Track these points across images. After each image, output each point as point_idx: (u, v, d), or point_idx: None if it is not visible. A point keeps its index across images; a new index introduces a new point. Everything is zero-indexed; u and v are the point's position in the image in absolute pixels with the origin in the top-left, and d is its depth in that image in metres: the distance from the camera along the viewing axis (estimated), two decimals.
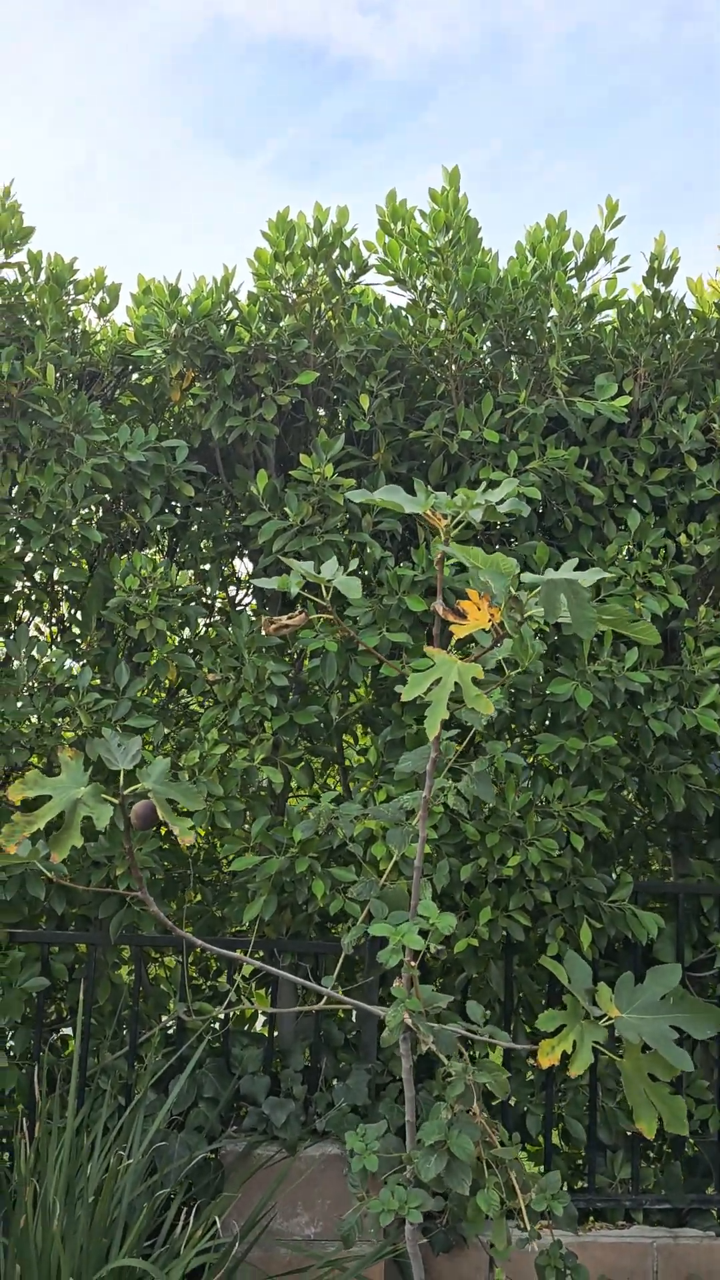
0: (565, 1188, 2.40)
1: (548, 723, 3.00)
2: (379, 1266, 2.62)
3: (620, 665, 2.85)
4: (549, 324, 2.95)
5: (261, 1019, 3.29)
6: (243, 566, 3.50)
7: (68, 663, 2.93)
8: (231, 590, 3.51)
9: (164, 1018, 3.02)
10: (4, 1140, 2.93)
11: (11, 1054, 2.90)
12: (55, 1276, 2.16)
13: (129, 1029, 2.87)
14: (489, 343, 3.03)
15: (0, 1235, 2.48)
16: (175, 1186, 2.57)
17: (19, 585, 3.21)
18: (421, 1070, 2.91)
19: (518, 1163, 2.06)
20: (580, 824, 2.88)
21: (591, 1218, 2.95)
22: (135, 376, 3.21)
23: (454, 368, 3.00)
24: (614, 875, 3.02)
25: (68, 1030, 3.12)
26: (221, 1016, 2.87)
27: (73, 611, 3.33)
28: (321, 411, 3.14)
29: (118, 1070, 2.85)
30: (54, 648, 2.97)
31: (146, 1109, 2.64)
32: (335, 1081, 2.83)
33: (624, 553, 3.03)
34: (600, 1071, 3.00)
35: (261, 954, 2.94)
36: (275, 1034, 2.99)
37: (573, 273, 2.93)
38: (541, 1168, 2.90)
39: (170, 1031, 2.96)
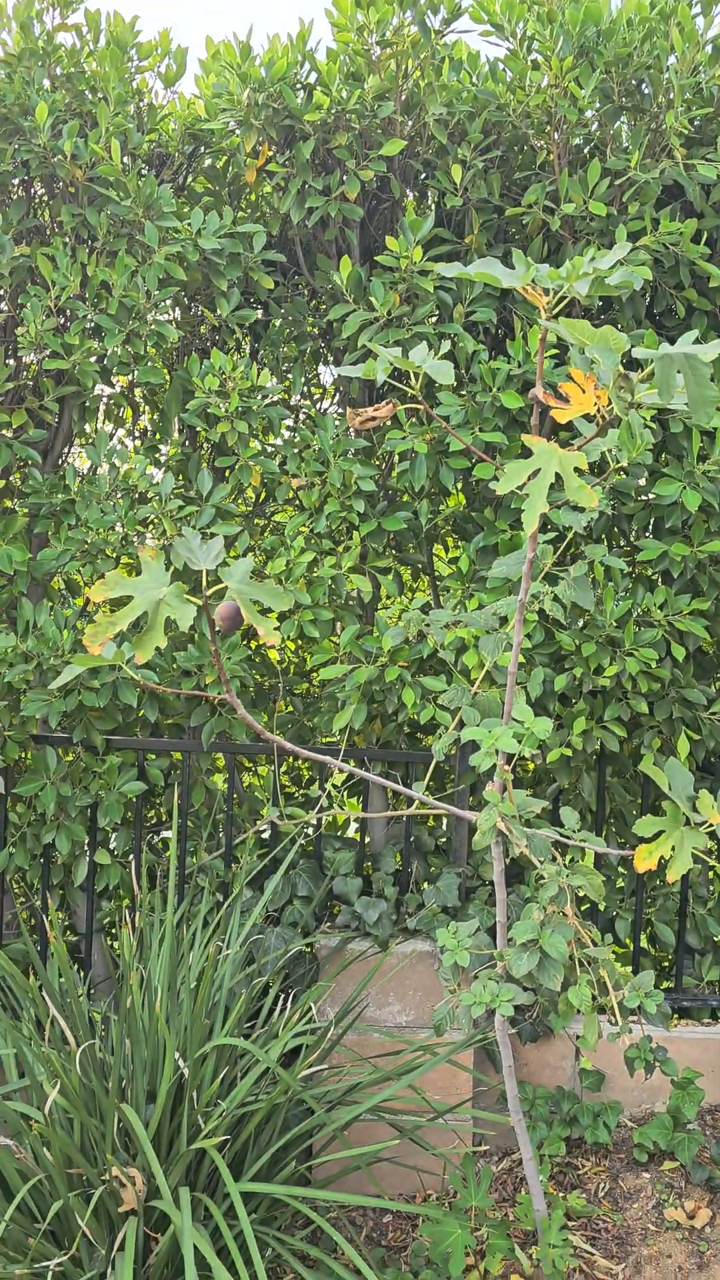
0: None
1: (650, 529, 2.84)
2: (468, 1052, 2.73)
3: None
4: (667, 73, 2.59)
5: (354, 825, 3.35)
6: (327, 373, 3.33)
7: (149, 470, 2.85)
8: (315, 397, 3.34)
9: (258, 822, 3.09)
10: (113, 930, 3.10)
11: (114, 852, 3.02)
12: (161, 1052, 2.28)
13: (224, 832, 2.94)
14: (598, 101, 2.70)
15: (113, 1012, 2.64)
16: (272, 976, 2.67)
17: (97, 389, 3.11)
18: (510, 875, 2.94)
19: (610, 962, 2.06)
20: (682, 634, 2.75)
21: (676, 1015, 3.00)
22: (209, 161, 2.97)
23: (556, 135, 2.68)
24: (715, 688, 2.90)
25: (167, 833, 3.22)
26: (314, 821, 2.92)
27: (154, 417, 3.23)
28: (410, 194, 2.87)
29: (214, 870, 2.95)
30: (136, 455, 2.89)
31: (243, 905, 2.72)
32: (425, 884, 2.87)
33: None
34: (692, 880, 2.98)
35: (352, 762, 2.95)
36: (367, 840, 3.04)
37: (698, 6, 2.55)
38: (630, 969, 2.94)
39: (265, 836, 3.03)
